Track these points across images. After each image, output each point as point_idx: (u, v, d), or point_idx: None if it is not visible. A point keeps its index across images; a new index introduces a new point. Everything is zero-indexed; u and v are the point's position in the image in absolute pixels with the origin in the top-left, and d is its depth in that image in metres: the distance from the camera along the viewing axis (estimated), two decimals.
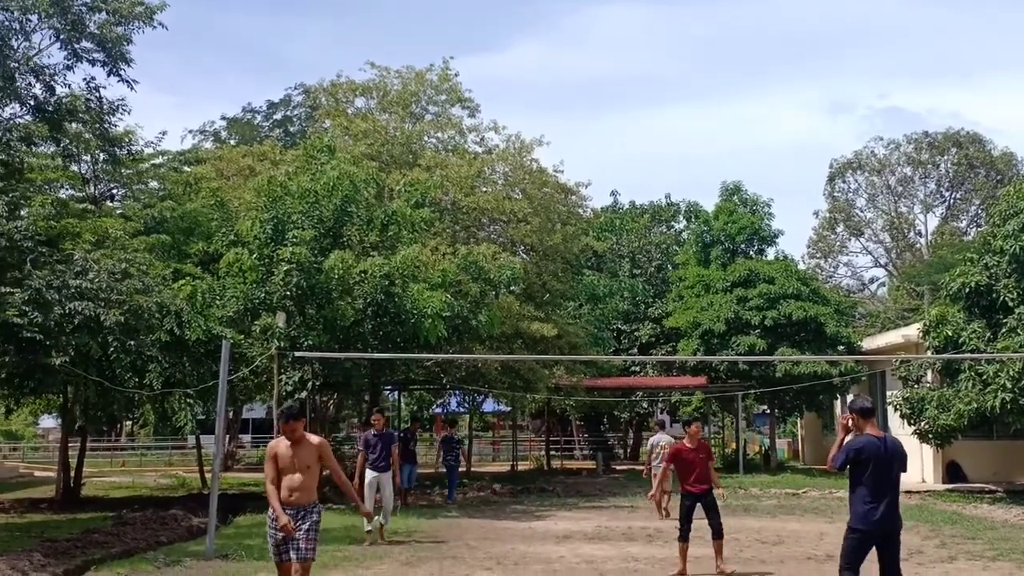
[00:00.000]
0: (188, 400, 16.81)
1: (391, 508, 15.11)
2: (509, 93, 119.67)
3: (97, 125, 20.28)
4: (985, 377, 20.32)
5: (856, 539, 8.00)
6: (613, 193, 49.21)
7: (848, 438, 8.18)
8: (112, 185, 26.32)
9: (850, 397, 22.52)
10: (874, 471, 7.89)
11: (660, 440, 19.16)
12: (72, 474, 22.28)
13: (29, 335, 14.31)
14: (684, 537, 11.56)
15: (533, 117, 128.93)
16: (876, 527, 7.89)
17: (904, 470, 8.18)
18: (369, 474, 14.79)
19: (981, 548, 13.92)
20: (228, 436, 34.17)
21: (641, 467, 31.69)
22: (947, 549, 13.85)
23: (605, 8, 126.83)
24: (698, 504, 11.63)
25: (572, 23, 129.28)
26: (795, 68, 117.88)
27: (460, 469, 24.02)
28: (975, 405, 20.48)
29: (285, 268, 18.66)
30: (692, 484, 11.68)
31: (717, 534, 11.64)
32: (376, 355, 19.19)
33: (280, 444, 8.25)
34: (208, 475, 22.55)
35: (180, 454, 41.15)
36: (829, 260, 60.08)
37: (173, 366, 16.78)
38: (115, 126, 21.24)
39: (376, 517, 14.22)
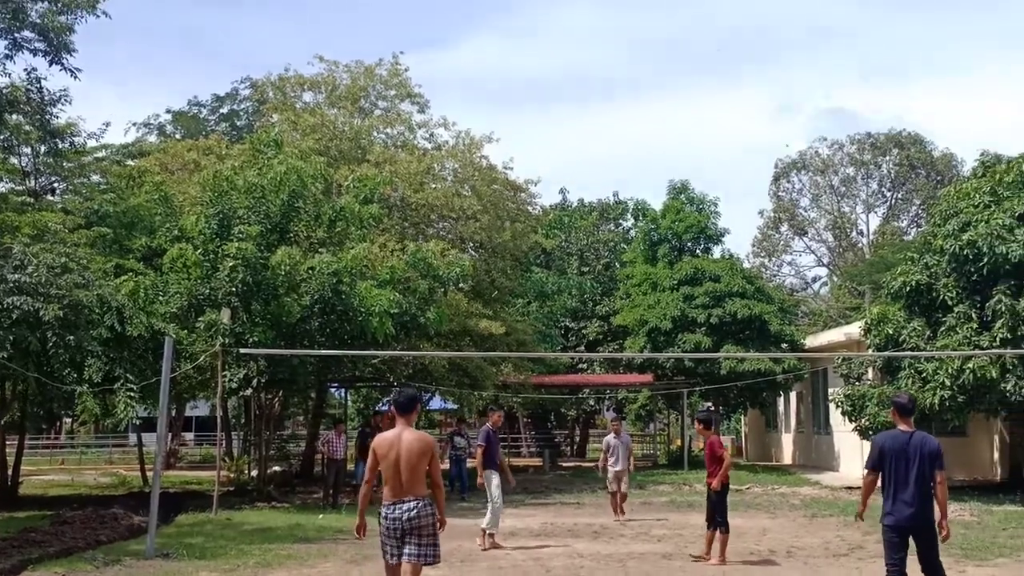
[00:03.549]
0: (130, 395, 16.48)
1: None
2: (458, 89, 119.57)
3: (38, 116, 19.90)
4: (924, 375, 20.65)
5: (886, 535, 8.21)
6: (562, 191, 49.17)
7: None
8: (53, 179, 25.85)
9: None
10: (893, 466, 8.07)
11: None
12: (9, 472, 21.85)
13: None
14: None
15: (483, 113, 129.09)
16: (899, 521, 8.06)
17: (937, 467, 8.10)
18: (495, 475, 14.48)
19: None
20: (171, 434, 33.75)
21: (588, 464, 31.89)
22: None
23: (554, 5, 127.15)
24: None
25: (521, 20, 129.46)
26: (742, 69, 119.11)
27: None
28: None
29: (230, 264, 18.46)
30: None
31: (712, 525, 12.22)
32: (322, 352, 19.07)
33: None
34: (149, 473, 22.22)
35: (121, 452, 40.46)
36: (773, 259, 60.92)
37: (113, 361, 16.50)
38: (57, 118, 20.91)
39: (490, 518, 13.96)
